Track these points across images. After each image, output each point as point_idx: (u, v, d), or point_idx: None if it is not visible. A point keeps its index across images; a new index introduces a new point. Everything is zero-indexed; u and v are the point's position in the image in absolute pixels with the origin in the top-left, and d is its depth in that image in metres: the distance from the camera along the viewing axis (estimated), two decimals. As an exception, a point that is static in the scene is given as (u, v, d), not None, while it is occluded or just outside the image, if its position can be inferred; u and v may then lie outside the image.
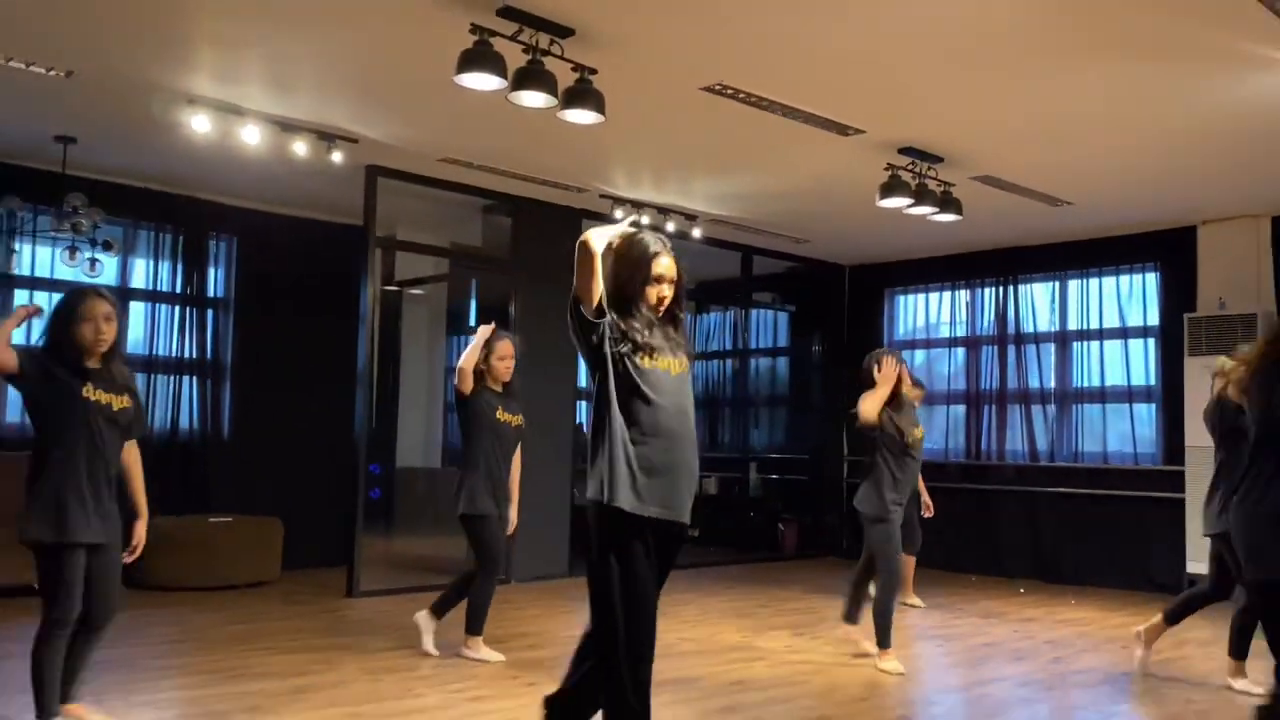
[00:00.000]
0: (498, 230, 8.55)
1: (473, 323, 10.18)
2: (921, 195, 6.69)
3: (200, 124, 6.08)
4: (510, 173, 7.49)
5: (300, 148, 6.52)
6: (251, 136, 6.29)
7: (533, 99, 4.82)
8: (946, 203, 6.89)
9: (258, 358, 8.39)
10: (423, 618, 5.51)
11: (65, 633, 3.69)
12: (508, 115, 6.10)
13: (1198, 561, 8.09)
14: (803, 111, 5.94)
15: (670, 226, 8.58)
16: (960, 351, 9.91)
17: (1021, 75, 5.42)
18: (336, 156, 6.68)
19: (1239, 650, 5.06)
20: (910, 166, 6.74)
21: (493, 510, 5.34)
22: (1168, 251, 8.65)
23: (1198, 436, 8.10)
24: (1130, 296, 8.91)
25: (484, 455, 5.35)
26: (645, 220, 8.34)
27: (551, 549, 8.25)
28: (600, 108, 5.00)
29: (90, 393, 3.73)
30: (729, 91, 5.63)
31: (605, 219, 8.45)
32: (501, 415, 5.41)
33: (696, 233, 8.81)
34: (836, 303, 10.78)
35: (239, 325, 8.46)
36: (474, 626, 5.36)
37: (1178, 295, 8.56)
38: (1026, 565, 9.08)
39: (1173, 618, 5.45)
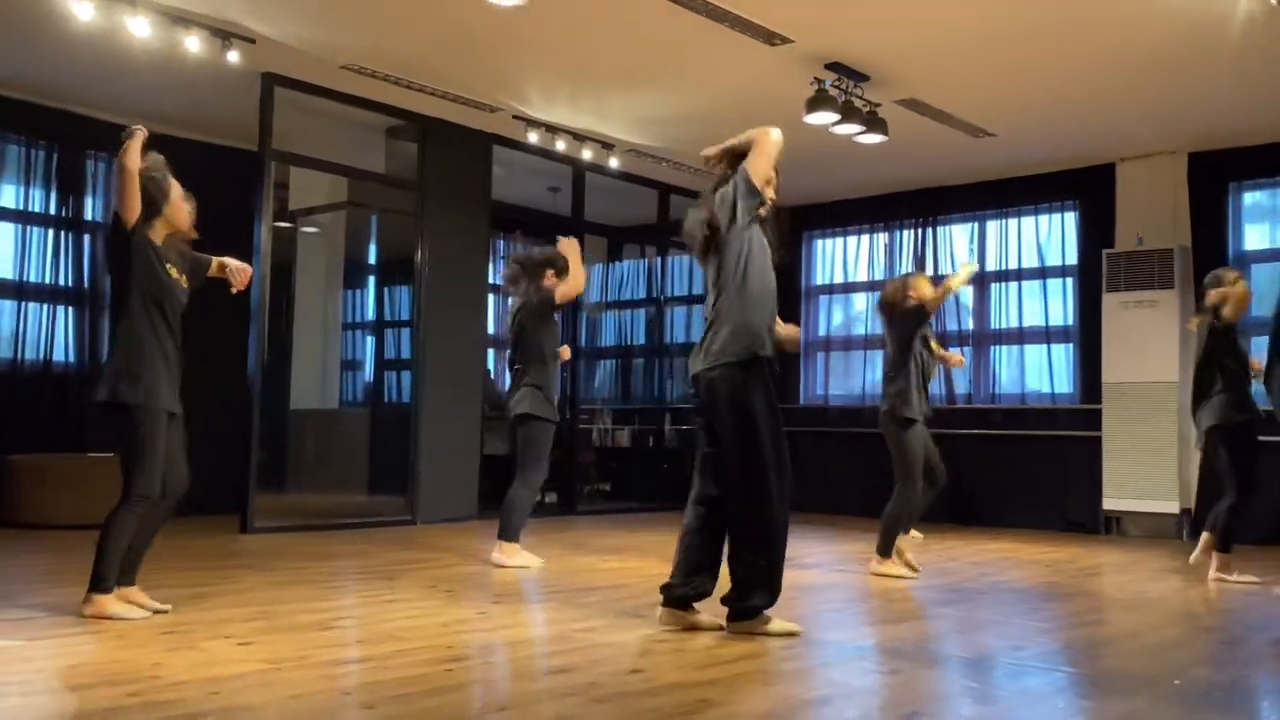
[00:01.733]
0: (402, 158, 8.39)
1: (371, 262, 10.02)
2: (848, 113, 6.79)
3: (84, 10, 5.83)
4: (418, 85, 7.36)
5: (194, 44, 6.30)
6: (140, 29, 6.06)
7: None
8: (872, 123, 7.01)
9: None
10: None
11: (144, 508, 3.95)
12: (415, 10, 6.03)
13: (1113, 499, 8.45)
14: (730, 13, 5.96)
15: (587, 154, 8.56)
16: (878, 295, 10.06)
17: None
18: (233, 56, 6.48)
19: (1225, 545, 5.67)
20: (838, 83, 6.83)
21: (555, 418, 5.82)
22: (1087, 190, 8.96)
23: (1116, 373, 8.46)
24: (1049, 236, 9.20)
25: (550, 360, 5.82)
26: (560, 146, 8.33)
27: (462, 491, 8.17)
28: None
29: (174, 271, 4.11)
30: (663, -16, 5.63)
31: (517, 145, 8.40)
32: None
33: (614, 162, 8.80)
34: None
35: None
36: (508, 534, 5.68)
37: (1096, 233, 8.87)
38: (944, 508, 9.28)
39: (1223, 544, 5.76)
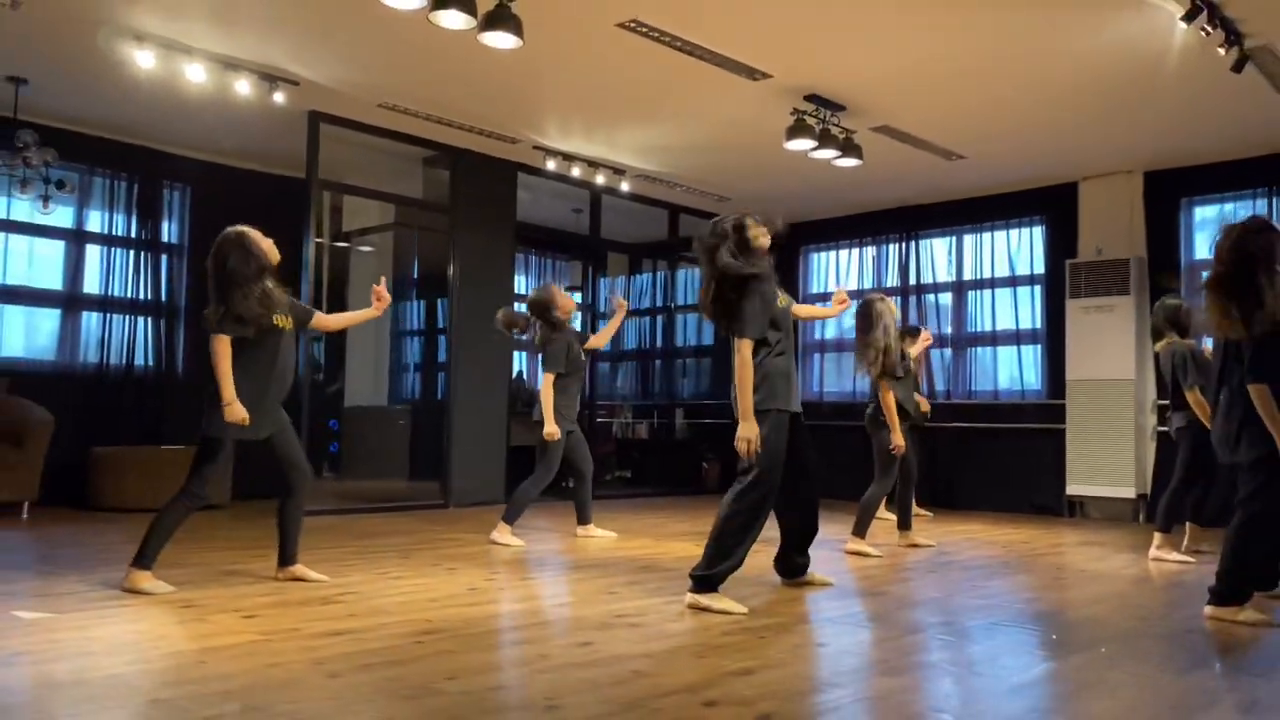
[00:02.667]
0: (438, 184, 8.41)
1: (415, 276, 10.03)
2: (825, 139, 6.69)
3: (145, 60, 5.90)
4: (447, 121, 7.36)
5: (243, 87, 6.35)
6: (196, 75, 6.12)
7: (451, 19, 4.72)
8: (848, 148, 6.89)
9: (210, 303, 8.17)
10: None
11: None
12: (440, 56, 6.03)
13: (1076, 484, 8.25)
14: (711, 52, 5.89)
15: (600, 179, 8.52)
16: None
17: (915, 19, 5.42)
18: (279, 98, 6.52)
19: (1166, 525, 5.61)
20: (815, 113, 6.73)
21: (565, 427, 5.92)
22: (1052, 206, 8.76)
23: (1078, 371, 8.27)
24: (1019, 248, 9.01)
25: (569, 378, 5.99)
26: (576, 173, 8.29)
27: (490, 478, 8.16)
28: (518, 31, 4.91)
29: (280, 321, 4.24)
30: (643, 29, 5.57)
31: (539, 172, 8.37)
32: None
33: (625, 186, 8.74)
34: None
35: (192, 271, 8.24)
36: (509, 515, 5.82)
37: (1061, 245, 8.67)
38: (924, 493, 9.12)
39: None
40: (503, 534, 5.75)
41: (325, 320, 4.62)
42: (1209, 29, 5.12)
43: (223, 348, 4.03)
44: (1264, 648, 3.46)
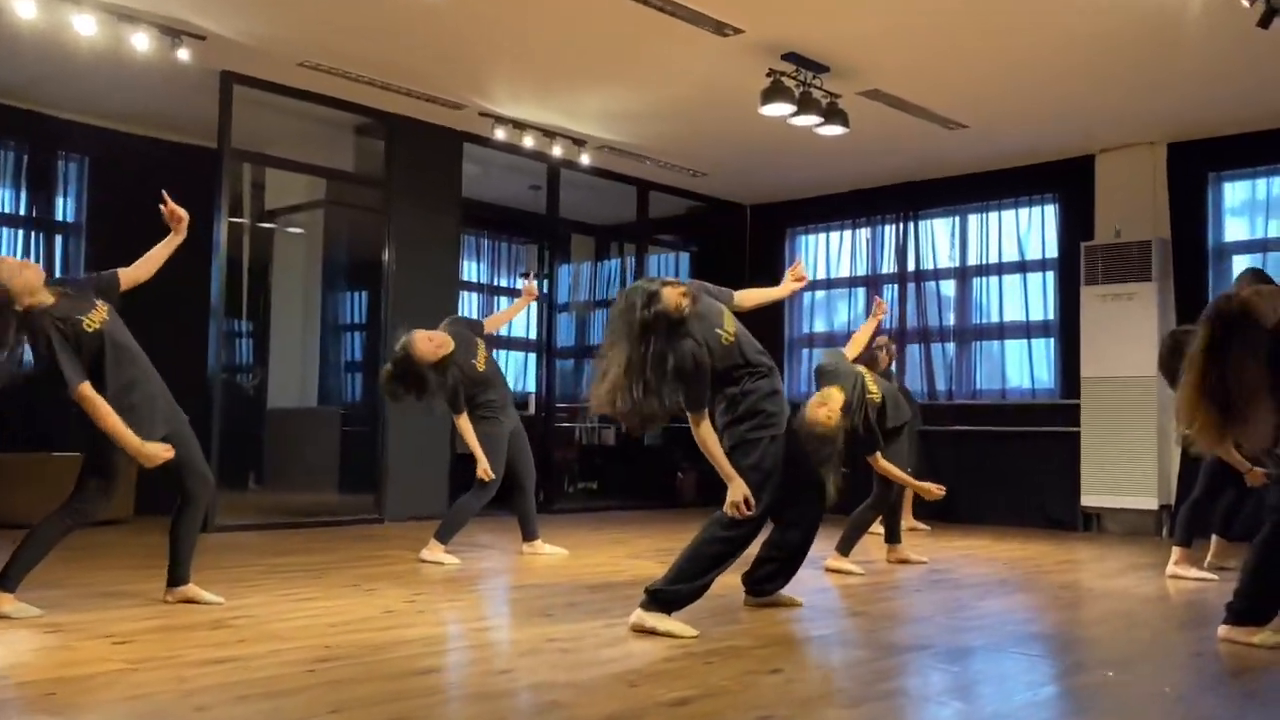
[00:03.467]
0: (373, 156, 8.31)
1: (349, 260, 9.94)
2: (805, 104, 6.63)
3: (25, 8, 5.78)
4: (380, 82, 7.26)
5: (141, 41, 6.23)
6: (85, 27, 6.00)
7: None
8: (831, 114, 6.83)
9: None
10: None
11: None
12: (370, 7, 5.94)
13: (1092, 495, 8.22)
14: (673, 3, 5.82)
15: (557, 151, 8.44)
16: (860, 291, 9.91)
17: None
18: (183, 54, 6.40)
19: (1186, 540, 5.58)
20: (794, 74, 6.67)
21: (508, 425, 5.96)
22: (1066, 182, 8.73)
23: (1094, 367, 8.24)
24: (1029, 229, 8.98)
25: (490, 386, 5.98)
26: (529, 143, 8.21)
27: (431, 489, 8.06)
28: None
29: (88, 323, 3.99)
30: (599, -25, 5.50)
31: (487, 142, 8.28)
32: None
33: (585, 159, 8.66)
34: (738, 243, 10.73)
35: (91, 253, 8.13)
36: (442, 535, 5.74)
37: (1076, 226, 8.64)
38: (925, 504, 9.07)
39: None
40: (434, 552, 5.65)
41: (134, 273, 4.34)
42: (1232, -22, 5.09)
43: (89, 397, 3.85)
44: (1277, 674, 3.42)
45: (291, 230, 9.75)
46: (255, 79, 7.17)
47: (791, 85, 6.62)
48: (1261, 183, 7.95)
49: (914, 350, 9.50)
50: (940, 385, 9.33)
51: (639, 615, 3.78)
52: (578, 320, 11.75)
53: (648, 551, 6.41)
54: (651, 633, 3.71)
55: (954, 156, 8.75)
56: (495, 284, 11.33)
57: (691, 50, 6.49)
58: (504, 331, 10.82)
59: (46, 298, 3.91)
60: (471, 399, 5.83)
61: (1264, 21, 5.51)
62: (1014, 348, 9.04)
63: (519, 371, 11.35)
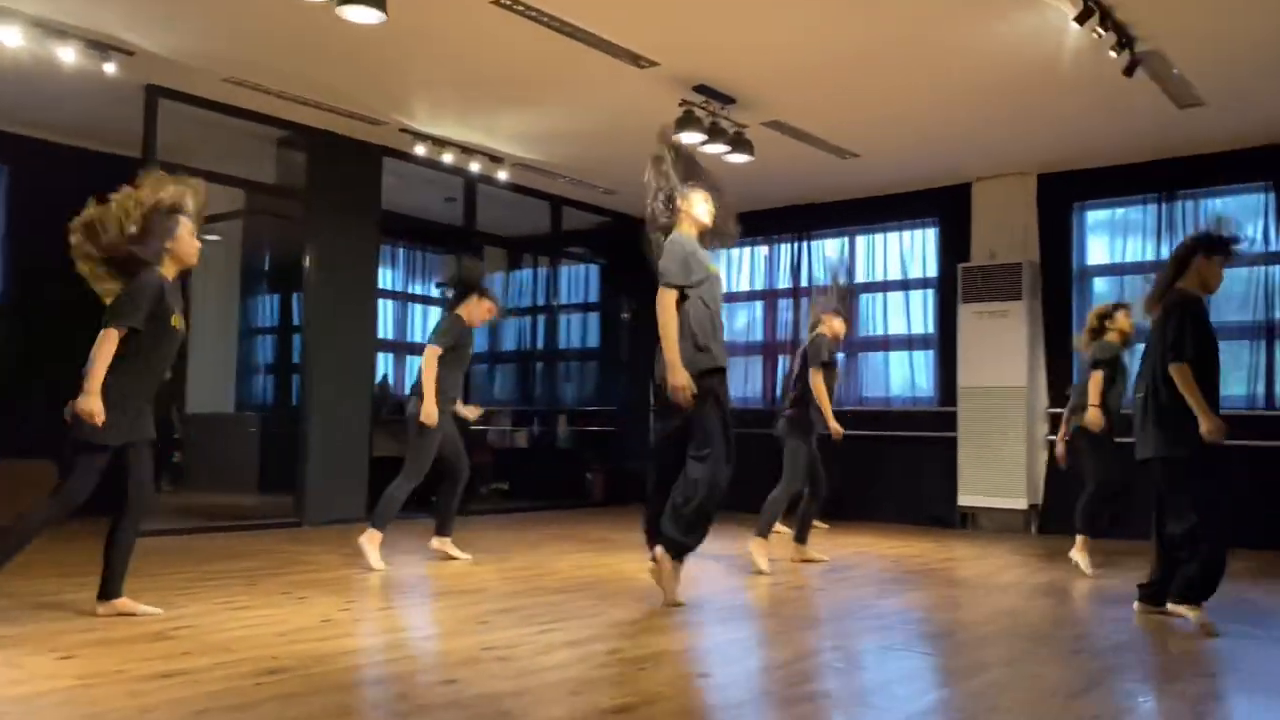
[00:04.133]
0: (295, 168, 8.14)
1: (267, 269, 9.70)
2: (714, 133, 6.73)
3: (-51, 19, 5.51)
4: (303, 99, 7.12)
5: (68, 56, 6.00)
6: (10, 39, 5.75)
7: (308, -10, 4.56)
8: (739, 143, 6.95)
9: (35, 296, 7.72)
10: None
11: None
12: (295, 27, 5.82)
13: (968, 495, 8.52)
14: (594, 36, 5.85)
15: (475, 167, 8.38)
16: (758, 304, 10.08)
17: (808, 9, 5.49)
18: (110, 68, 6.19)
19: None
20: (704, 105, 6.76)
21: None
22: (946, 207, 9.02)
23: (970, 378, 8.54)
24: (912, 250, 9.26)
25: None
26: (448, 159, 8.14)
27: (350, 493, 7.92)
28: (380, 5, 4.77)
29: (176, 321, 4.08)
30: (519, 8, 5.49)
31: (407, 157, 8.18)
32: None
33: (502, 175, 8.62)
34: (645, 258, 10.76)
35: (12, 261, 7.81)
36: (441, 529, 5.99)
37: (954, 248, 8.94)
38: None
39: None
40: (370, 541, 5.54)
41: None
42: (1101, 31, 5.34)
43: (109, 336, 3.92)
44: (1157, 667, 3.61)
45: (209, 237, 9.45)
46: (180, 93, 6.96)
47: (702, 115, 6.71)
48: (1120, 211, 8.34)
49: (807, 360, 9.68)
50: (830, 393, 9.52)
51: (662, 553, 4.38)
52: (490, 327, 11.66)
53: (566, 552, 6.42)
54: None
55: (845, 182, 8.97)
56: (410, 291, 11.18)
57: (610, 79, 6.53)
58: (419, 337, 10.72)
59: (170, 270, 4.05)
60: (440, 378, 5.75)
61: (1128, 71, 5.81)
62: (897, 359, 9.31)
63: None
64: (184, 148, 7.49)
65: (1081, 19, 5.18)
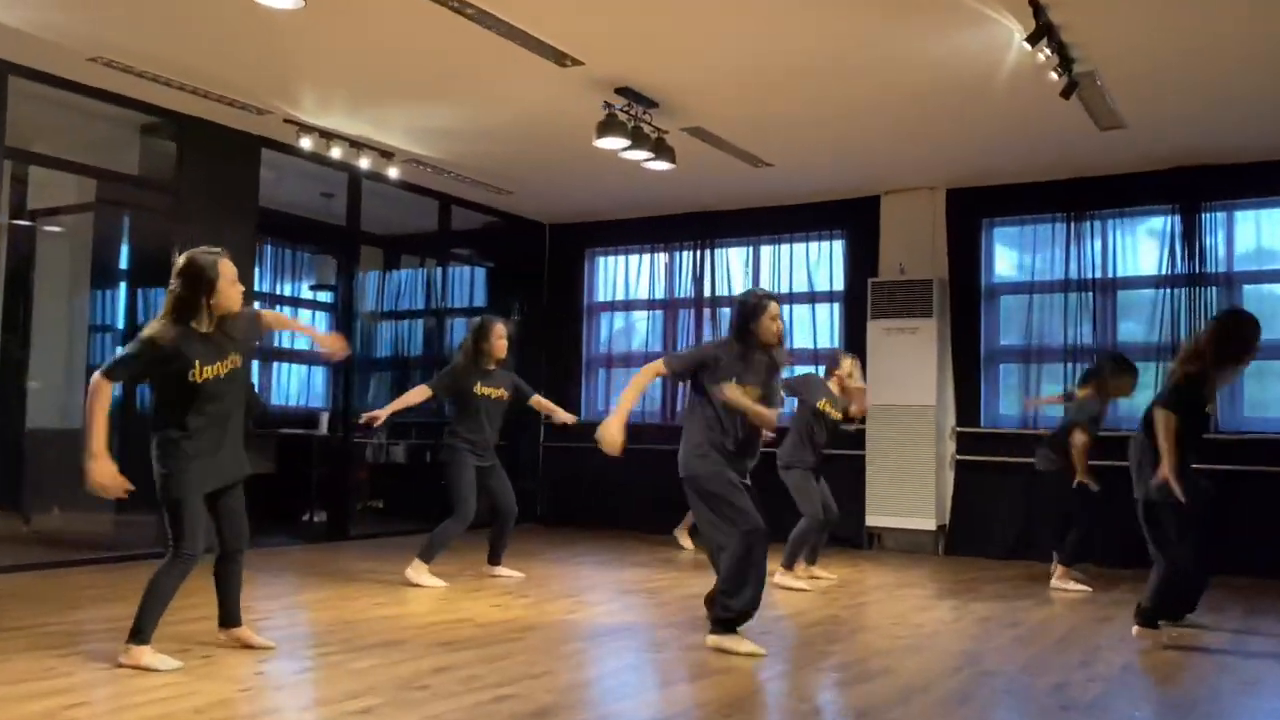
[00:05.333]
0: (159, 157, 7.52)
1: (124, 265, 8.96)
2: (637, 139, 6.52)
3: None
4: (176, 83, 6.55)
5: (-96, 23, 5.33)
6: None
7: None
8: (660, 149, 6.76)
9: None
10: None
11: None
12: (171, 3, 5.34)
13: (875, 515, 8.56)
14: (521, 31, 5.55)
15: (364, 162, 7.93)
16: (659, 314, 9.92)
17: (739, 17, 5.34)
18: (-45, 41, 5.54)
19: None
20: (627, 108, 6.54)
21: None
22: (854, 220, 9.05)
23: (879, 396, 8.56)
24: (819, 262, 9.26)
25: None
26: (336, 153, 7.68)
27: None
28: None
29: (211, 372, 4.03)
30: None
31: (290, 150, 7.69)
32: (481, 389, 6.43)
33: (393, 172, 8.18)
34: (536, 262, 10.51)
35: None
36: (426, 555, 6.30)
37: (862, 262, 8.97)
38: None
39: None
40: (418, 573, 6.16)
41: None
42: (1047, 52, 5.37)
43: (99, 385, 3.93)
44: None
45: (50, 228, 8.68)
46: (36, 71, 6.31)
47: (625, 120, 6.49)
48: (1028, 229, 8.52)
49: (709, 373, 9.58)
50: (733, 408, 9.45)
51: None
52: (364, 331, 11.14)
53: (473, 591, 6.09)
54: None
55: (753, 190, 8.89)
56: (279, 293, 10.56)
57: (529, 77, 6.23)
58: (287, 343, 10.13)
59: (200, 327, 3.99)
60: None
61: (1066, 92, 5.87)
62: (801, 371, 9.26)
63: (302, 386, 10.65)
64: (35, 131, 6.84)
65: (1033, 39, 5.18)
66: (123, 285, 8.82)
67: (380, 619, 5.11)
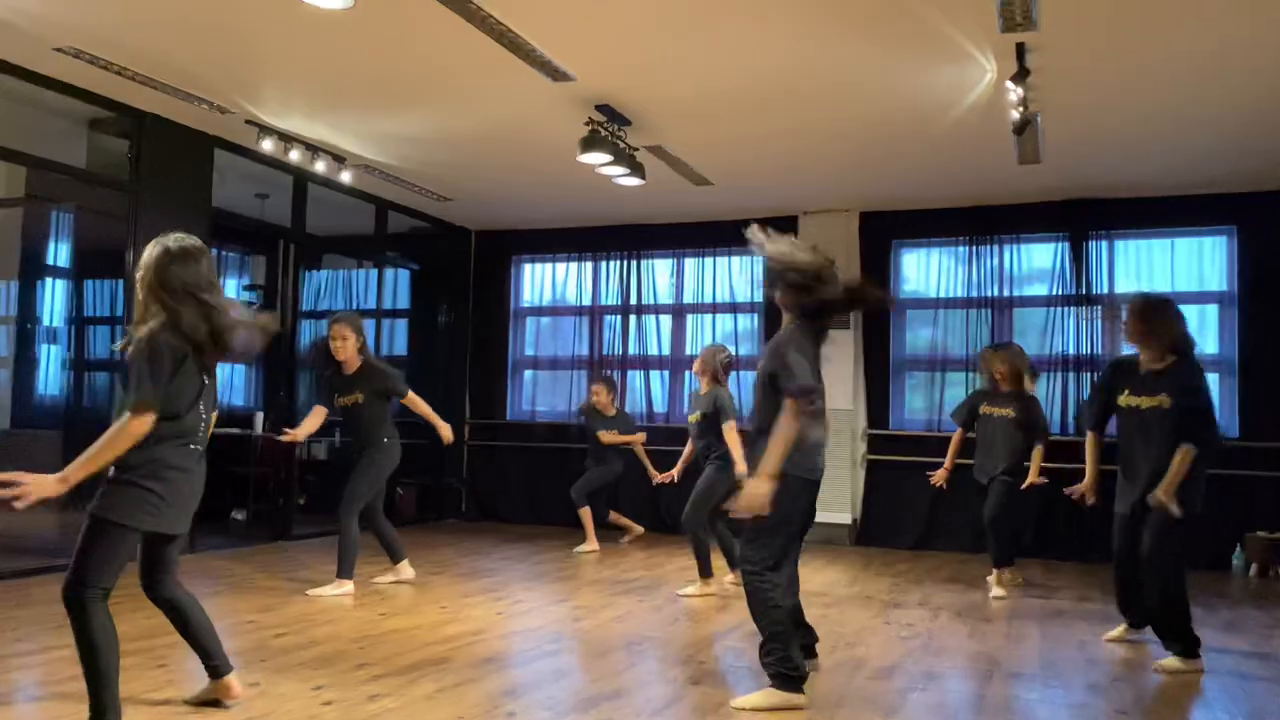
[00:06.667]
0: (105, 154, 6.67)
1: (58, 262, 7.98)
2: (617, 155, 6.16)
3: None
4: (144, 77, 5.78)
5: None
6: None
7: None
8: (634, 166, 6.42)
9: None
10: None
11: None
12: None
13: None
14: (524, 43, 5.11)
15: (320, 166, 7.26)
16: (585, 319, 9.55)
17: (731, 35, 5.06)
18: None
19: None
20: (605, 125, 6.17)
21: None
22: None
23: (801, 400, 8.44)
24: (740, 276, 9.09)
25: None
26: (294, 156, 6.99)
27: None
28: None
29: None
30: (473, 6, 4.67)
31: (241, 150, 6.97)
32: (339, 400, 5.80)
33: (346, 176, 7.53)
34: (462, 267, 9.95)
35: None
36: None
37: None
38: (648, 519, 8.91)
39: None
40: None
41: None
42: (1020, 92, 5.33)
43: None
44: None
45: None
46: (-8, 57, 5.45)
47: (605, 135, 6.12)
48: (936, 251, 8.59)
49: (635, 376, 9.31)
50: (659, 408, 9.21)
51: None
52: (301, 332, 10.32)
53: (397, 600, 5.56)
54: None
55: (682, 207, 8.64)
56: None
57: (516, 88, 5.79)
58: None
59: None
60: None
61: (1019, 129, 5.86)
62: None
63: (224, 384, 9.74)
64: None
65: (1016, 79, 5.12)
66: (54, 285, 7.84)
67: (316, 637, 4.59)
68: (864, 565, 7.24)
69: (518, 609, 5.28)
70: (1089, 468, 4.76)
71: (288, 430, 5.78)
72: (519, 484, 9.51)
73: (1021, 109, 5.62)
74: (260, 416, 8.61)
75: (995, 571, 6.22)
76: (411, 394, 5.90)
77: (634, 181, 6.59)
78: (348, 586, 5.52)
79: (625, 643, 4.51)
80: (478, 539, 8.24)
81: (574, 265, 9.60)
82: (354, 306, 10.03)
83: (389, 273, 10.04)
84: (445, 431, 6.01)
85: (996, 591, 6.04)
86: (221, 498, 8.35)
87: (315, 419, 5.80)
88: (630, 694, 3.65)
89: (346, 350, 5.70)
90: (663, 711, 3.46)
